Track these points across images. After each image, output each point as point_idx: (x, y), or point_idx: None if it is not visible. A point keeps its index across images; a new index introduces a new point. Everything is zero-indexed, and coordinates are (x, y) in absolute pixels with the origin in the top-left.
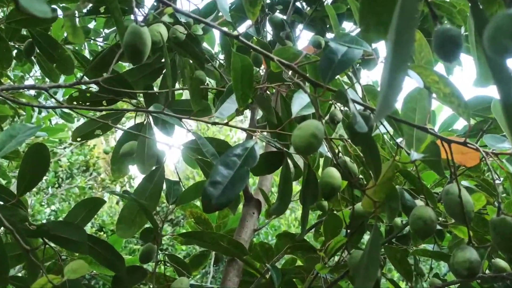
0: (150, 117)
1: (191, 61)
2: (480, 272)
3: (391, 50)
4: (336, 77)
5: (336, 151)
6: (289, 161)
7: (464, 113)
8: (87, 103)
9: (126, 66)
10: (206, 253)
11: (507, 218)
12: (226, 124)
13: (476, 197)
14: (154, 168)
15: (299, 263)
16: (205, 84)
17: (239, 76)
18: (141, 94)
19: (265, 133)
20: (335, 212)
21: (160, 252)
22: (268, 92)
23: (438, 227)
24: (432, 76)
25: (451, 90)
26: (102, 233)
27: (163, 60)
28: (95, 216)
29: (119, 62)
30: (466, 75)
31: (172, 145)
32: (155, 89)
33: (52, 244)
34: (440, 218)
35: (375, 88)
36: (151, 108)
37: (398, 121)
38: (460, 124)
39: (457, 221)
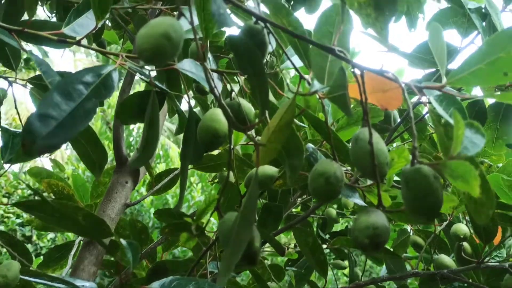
0: None
1: None
2: (386, 242)
3: None
4: None
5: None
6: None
7: (383, 30)
8: None
9: None
10: (71, 245)
11: (423, 168)
12: (77, 42)
13: (398, 152)
14: None
15: None
16: None
17: None
18: None
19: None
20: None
21: None
22: None
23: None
24: None
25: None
26: None
27: None
28: None
29: None
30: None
31: (14, 80)
32: None
33: None
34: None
35: None
36: None
37: (301, 39)
38: None
39: (367, 177)
